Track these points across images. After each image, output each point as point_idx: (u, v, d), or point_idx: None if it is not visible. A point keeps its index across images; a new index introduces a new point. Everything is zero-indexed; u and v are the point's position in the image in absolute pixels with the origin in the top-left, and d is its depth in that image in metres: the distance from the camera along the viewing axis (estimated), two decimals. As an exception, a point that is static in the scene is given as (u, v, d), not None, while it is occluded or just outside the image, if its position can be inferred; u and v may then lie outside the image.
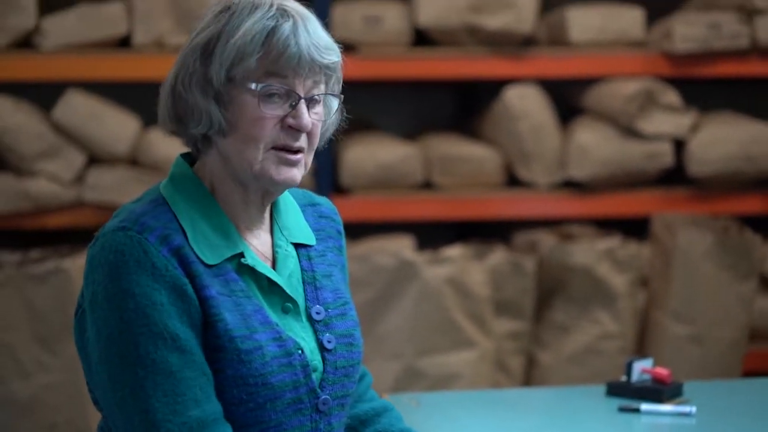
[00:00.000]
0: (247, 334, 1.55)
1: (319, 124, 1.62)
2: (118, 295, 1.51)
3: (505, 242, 4.10)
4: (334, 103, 1.67)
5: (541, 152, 4.05)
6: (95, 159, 3.86)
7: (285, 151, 1.58)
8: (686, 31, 4.04)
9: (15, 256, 3.52)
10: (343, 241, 1.76)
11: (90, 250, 1.58)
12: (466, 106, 4.50)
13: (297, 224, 1.69)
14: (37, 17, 3.81)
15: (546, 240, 3.90)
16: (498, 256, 3.76)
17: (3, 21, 3.75)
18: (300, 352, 1.58)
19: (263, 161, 1.57)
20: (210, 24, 1.59)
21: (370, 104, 4.45)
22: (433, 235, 4.21)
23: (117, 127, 3.83)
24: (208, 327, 1.54)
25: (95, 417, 3.42)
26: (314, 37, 1.58)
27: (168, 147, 3.81)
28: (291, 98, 1.57)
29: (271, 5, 1.58)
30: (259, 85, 1.55)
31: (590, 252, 3.79)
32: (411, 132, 4.36)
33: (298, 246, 1.67)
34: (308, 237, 1.69)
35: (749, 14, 4.09)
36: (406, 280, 3.56)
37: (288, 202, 1.71)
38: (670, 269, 3.81)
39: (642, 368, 2.19)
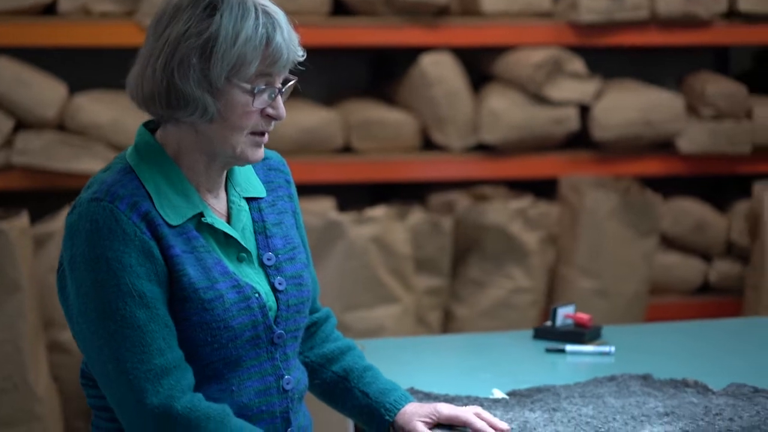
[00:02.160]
0: (209, 285, 1.75)
1: None
2: (93, 259, 1.70)
3: (421, 203, 4.29)
4: None
5: (455, 117, 4.24)
6: (23, 124, 3.94)
7: (259, 134, 1.77)
8: (590, 3, 4.26)
9: (-49, 219, 3.59)
10: (293, 189, 1.95)
11: (68, 218, 1.76)
12: (380, 73, 4.65)
13: (248, 180, 1.87)
14: (-38, -16, 3.85)
15: (461, 201, 4.10)
16: (417, 216, 3.95)
17: (-71, -13, 3.79)
18: (257, 295, 1.78)
19: (243, 144, 1.76)
20: (201, 21, 1.73)
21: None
22: (352, 197, 4.37)
23: (44, 92, 3.90)
24: (174, 282, 1.74)
25: (33, 373, 3.53)
26: (293, 38, 1.78)
27: (94, 112, 3.91)
28: (271, 91, 1.76)
29: (256, 9, 1.74)
30: (255, 86, 1.73)
31: (503, 211, 4.01)
32: (329, 98, 4.50)
33: (250, 199, 1.86)
34: (258, 190, 1.87)
35: (649, -13, 4.33)
36: (333, 240, 3.73)
37: None
38: (578, 228, 4.06)
39: (565, 314, 2.40)
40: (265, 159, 1.91)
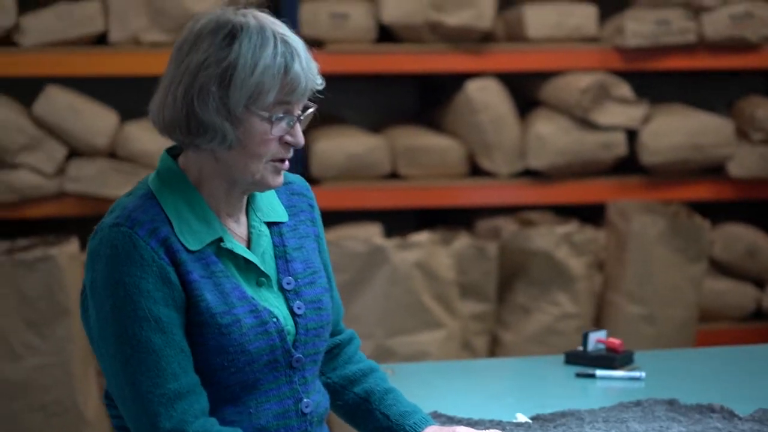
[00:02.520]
0: (226, 310, 1.77)
1: None
2: (111, 284, 1.74)
3: (467, 229, 4.30)
4: None
5: (501, 143, 4.25)
6: (75, 152, 4.02)
7: (280, 161, 1.80)
8: (636, 27, 4.25)
9: (3, 244, 3.67)
10: (316, 213, 1.96)
11: (90, 243, 1.80)
12: (427, 100, 4.68)
13: (270, 204, 1.89)
14: (16, 16, 3.95)
15: (507, 226, 4.10)
16: (462, 241, 3.96)
17: (-16, 20, 3.90)
18: (275, 319, 1.80)
19: (263, 171, 1.78)
20: (220, 50, 1.76)
21: (336, 97, 4.62)
22: (398, 223, 4.40)
23: (95, 120, 3.99)
24: (191, 307, 1.77)
25: (83, 396, 3.59)
26: (312, 67, 1.80)
27: (144, 140, 3.98)
28: (289, 119, 1.79)
29: (275, 38, 1.77)
30: (273, 115, 1.76)
31: (549, 237, 4.00)
32: (376, 124, 4.53)
33: (271, 224, 1.88)
34: (280, 215, 1.89)
35: (696, 11, 4.32)
36: (377, 265, 3.75)
37: None
38: (625, 253, 4.04)
39: (597, 339, 2.40)
40: (288, 183, 1.94)
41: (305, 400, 1.83)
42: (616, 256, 4.10)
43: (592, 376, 2.30)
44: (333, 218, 4.23)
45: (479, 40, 4.25)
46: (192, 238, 1.78)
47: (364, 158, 4.18)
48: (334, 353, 1.99)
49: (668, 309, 4.03)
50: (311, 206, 1.95)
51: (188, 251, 1.77)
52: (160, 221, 1.77)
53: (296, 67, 1.76)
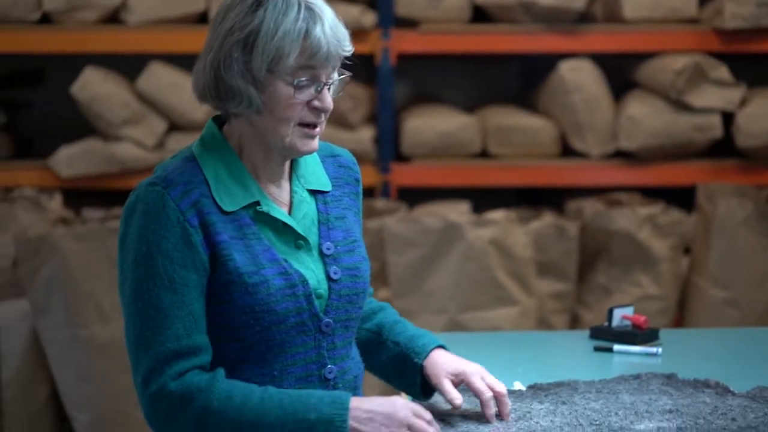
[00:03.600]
0: (255, 270, 1.83)
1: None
2: (137, 239, 1.82)
3: (558, 209, 4.32)
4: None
5: (594, 124, 4.25)
6: (175, 126, 4.20)
7: (309, 126, 1.87)
8: (736, 8, 4.18)
9: (99, 212, 3.88)
10: (360, 188, 2.02)
11: (129, 198, 1.89)
12: (529, 81, 4.70)
13: (314, 173, 1.96)
14: (123, -5, 4.15)
15: (591, 206, 4.10)
16: (543, 221, 3.98)
17: (93, -1, 4.11)
18: (305, 283, 1.86)
19: (291, 135, 1.85)
20: (245, 16, 1.84)
21: (436, 78, 4.69)
22: (492, 202, 4.43)
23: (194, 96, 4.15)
24: (219, 266, 1.83)
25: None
26: (338, 33, 1.85)
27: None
28: (317, 84, 1.85)
29: (299, 4, 1.84)
30: (295, 79, 1.83)
31: (631, 218, 3.99)
32: (476, 105, 4.58)
33: (316, 192, 1.95)
34: (324, 184, 1.96)
35: (799, -9, 4.22)
36: (452, 241, 3.81)
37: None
38: (710, 236, 3.99)
39: (622, 315, 2.42)
40: (336, 156, 2.01)
41: (329, 366, 1.87)
42: (701, 239, 4.06)
43: (610, 350, 2.32)
44: (423, 196, 4.30)
45: (575, 20, 4.25)
46: (228, 199, 1.85)
47: (454, 136, 4.24)
48: None
49: (753, 293, 3.97)
50: (357, 180, 2.01)
51: (223, 212, 1.84)
52: (197, 183, 1.84)
53: (317, 31, 1.82)
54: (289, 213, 1.91)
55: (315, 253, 1.90)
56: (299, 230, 1.90)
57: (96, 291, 3.74)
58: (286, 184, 1.93)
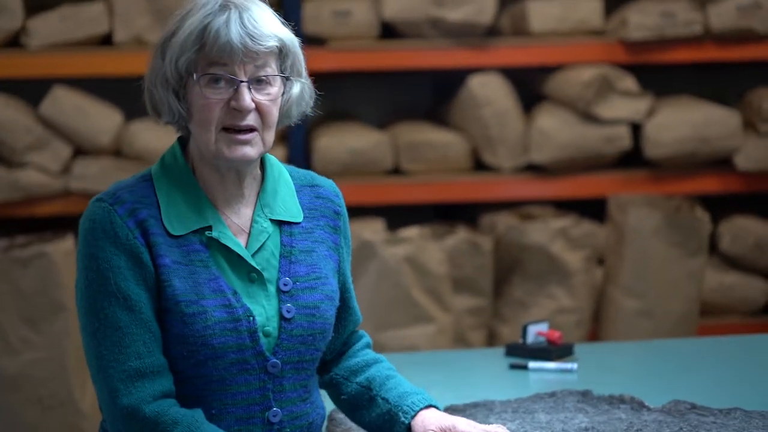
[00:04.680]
0: (194, 300, 1.76)
1: (273, 103, 1.81)
2: (87, 256, 1.76)
3: (472, 224, 4.31)
4: (296, 83, 1.85)
5: (504, 137, 4.26)
6: (81, 151, 4.11)
7: (234, 131, 1.78)
8: (641, 19, 4.22)
9: (2, 242, 3.78)
10: (341, 222, 1.89)
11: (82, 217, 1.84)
12: (441, 95, 4.70)
13: (284, 203, 1.85)
14: (23, 18, 4.05)
15: (504, 220, 4.11)
16: (457, 236, 3.97)
17: (-8, 22, 4.00)
18: (250, 319, 1.77)
19: (216, 142, 1.77)
20: (169, 24, 1.80)
21: (348, 95, 4.67)
22: (407, 219, 4.41)
23: (100, 120, 4.07)
24: (160, 291, 1.77)
25: (79, 389, 3.67)
26: (249, 26, 1.76)
27: (149, 138, 4.05)
28: (233, 83, 1.76)
29: (216, 3, 1.77)
30: (199, 75, 1.75)
31: (544, 231, 4.00)
32: (388, 121, 4.56)
33: (283, 223, 1.84)
34: (294, 215, 1.84)
35: (702, 3, 4.27)
36: (366, 259, 3.78)
37: (279, 181, 1.87)
38: (622, 247, 4.02)
39: (537, 331, 2.41)
40: (315, 186, 1.90)
41: (274, 408, 1.78)
42: (614, 250, 4.08)
43: (525, 367, 2.31)
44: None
45: (483, 35, 4.26)
46: (178, 223, 1.78)
47: (366, 154, 4.21)
48: (341, 351, 1.95)
49: (666, 303, 4.00)
50: (337, 213, 1.89)
51: (170, 236, 1.77)
52: (146, 203, 1.78)
53: (218, 21, 1.75)
54: (246, 243, 1.82)
55: (271, 288, 1.80)
56: (252, 262, 1.80)
57: (1, 323, 3.64)
58: (246, 211, 1.84)
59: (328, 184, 1.92)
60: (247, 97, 1.77)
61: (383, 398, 1.86)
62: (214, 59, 1.76)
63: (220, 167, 1.81)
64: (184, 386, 1.78)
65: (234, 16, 1.77)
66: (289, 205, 1.85)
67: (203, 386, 1.77)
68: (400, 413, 1.82)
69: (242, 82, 1.77)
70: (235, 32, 1.76)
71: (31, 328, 3.65)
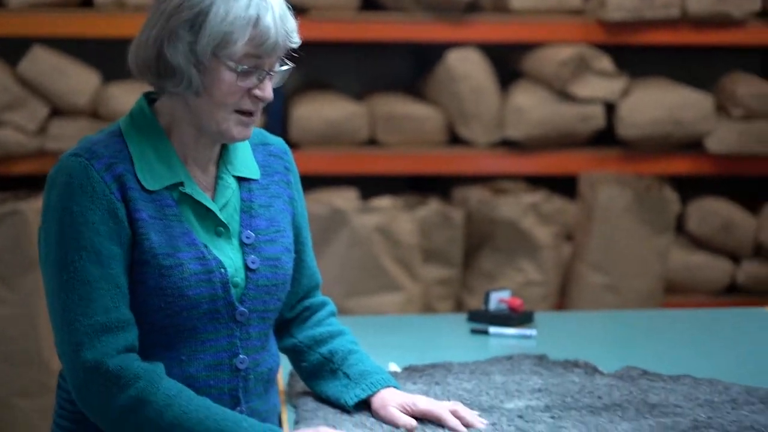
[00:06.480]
0: (170, 252, 1.81)
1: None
2: (60, 210, 1.79)
3: (445, 197, 4.35)
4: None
5: (480, 112, 4.30)
6: (58, 111, 4.13)
7: (245, 114, 1.84)
8: (620, 0, 4.26)
9: (-21, 199, 3.80)
10: (292, 176, 1.96)
11: (50, 171, 1.85)
12: (420, 69, 4.73)
13: (243, 160, 1.92)
14: (4, -23, 4.06)
15: (476, 194, 4.15)
16: (429, 207, 4.02)
17: (-28, -20, 4.01)
18: (222, 270, 1.83)
19: (228, 121, 1.83)
20: None
21: (327, 66, 4.69)
22: (381, 190, 4.45)
23: (78, 81, 4.09)
24: (136, 245, 1.81)
25: (48, 348, 3.70)
26: (286, 24, 1.83)
27: (125, 100, 4.07)
28: (260, 73, 1.82)
29: None
30: (239, 66, 1.80)
31: (515, 206, 4.05)
32: (366, 93, 4.59)
33: (242, 179, 1.91)
34: (253, 171, 1.92)
35: (680, -15, 4.32)
36: (338, 228, 3.82)
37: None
38: (591, 223, 4.07)
39: (499, 298, 2.45)
40: (266, 144, 1.97)
41: (241, 356, 1.84)
42: (583, 227, 4.14)
43: (486, 332, 2.35)
44: (312, 183, 4.30)
45: (463, 10, 4.29)
46: (151, 178, 1.82)
47: (342, 125, 4.24)
48: (304, 316, 2.00)
49: (632, 280, 4.06)
50: (287, 169, 1.96)
51: (144, 190, 1.81)
52: (120, 158, 1.81)
53: (267, 20, 1.79)
54: (213, 199, 1.88)
55: (235, 241, 1.87)
56: (220, 216, 1.87)
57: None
58: (212, 169, 1.90)
59: (278, 141, 1.99)
60: (271, 89, 1.84)
61: (344, 373, 1.92)
62: (254, 53, 1.81)
63: (204, 135, 1.85)
64: (155, 336, 1.83)
65: (276, 10, 1.81)
66: (247, 163, 1.92)
67: (174, 335, 1.82)
68: (359, 390, 1.88)
69: (269, 74, 1.83)
70: (280, 32, 1.81)
71: (2, 285, 3.67)
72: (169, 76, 1.81)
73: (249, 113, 1.83)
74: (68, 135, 4.05)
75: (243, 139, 1.85)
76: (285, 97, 4.34)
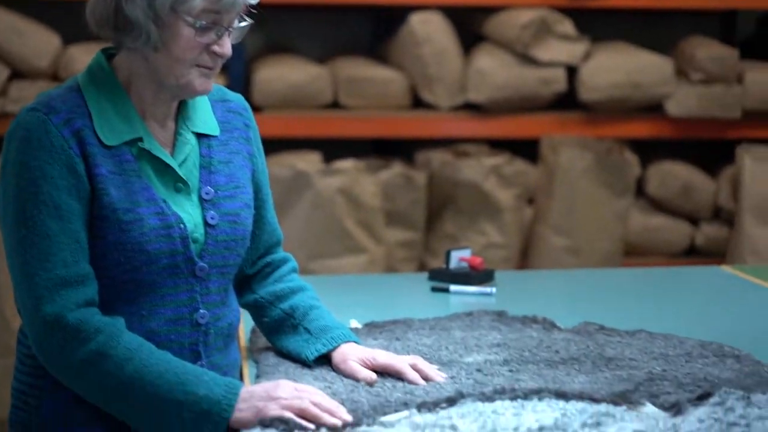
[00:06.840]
0: (130, 207, 1.81)
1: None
2: (17, 166, 1.79)
3: (408, 160, 4.37)
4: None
5: (443, 76, 4.31)
6: (18, 73, 4.10)
7: (206, 68, 1.84)
8: (581, -37, 4.29)
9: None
10: (252, 133, 1.97)
11: (10, 125, 1.85)
12: (383, 32, 4.73)
13: (202, 117, 1.92)
14: (-38, -63, 4.02)
15: (439, 157, 4.17)
16: (392, 170, 4.04)
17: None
18: (182, 225, 1.84)
19: (188, 76, 1.83)
20: None
21: (290, 29, 4.69)
22: (344, 154, 4.46)
23: (39, 43, 4.06)
24: (95, 200, 1.81)
25: (9, 308, 3.70)
26: None
27: (86, 62, 4.04)
28: (218, 29, 1.83)
29: None
30: (198, 21, 1.80)
31: (478, 168, 4.07)
32: (328, 56, 4.59)
33: (201, 135, 1.91)
34: (212, 128, 1.92)
35: (641, -51, 4.34)
36: (301, 190, 3.84)
37: (197, 97, 1.93)
38: (553, 186, 4.10)
39: (460, 257, 2.48)
40: (226, 101, 1.97)
41: (201, 310, 1.86)
42: (544, 189, 4.17)
43: (446, 290, 2.38)
44: (274, 146, 4.30)
45: (426, -27, 4.29)
46: (110, 133, 1.82)
47: (305, 88, 4.24)
48: (266, 272, 2.01)
49: (593, 242, 4.10)
50: (247, 125, 1.97)
51: (103, 146, 1.81)
52: (79, 113, 1.80)
53: None
54: (172, 155, 1.89)
55: (194, 197, 1.88)
56: (179, 172, 1.87)
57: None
58: (171, 125, 1.90)
59: (237, 98, 2.00)
60: (230, 45, 1.84)
61: (305, 328, 1.94)
62: (213, 8, 1.81)
63: (164, 90, 1.86)
64: (115, 291, 1.83)
65: None
66: (206, 119, 1.93)
67: (135, 290, 1.83)
68: (320, 344, 1.90)
69: (228, 30, 1.83)
70: None
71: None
72: (127, 30, 1.81)
73: (209, 68, 1.83)
74: (29, 97, 4.02)
75: (204, 92, 1.85)
76: (247, 60, 4.33)
